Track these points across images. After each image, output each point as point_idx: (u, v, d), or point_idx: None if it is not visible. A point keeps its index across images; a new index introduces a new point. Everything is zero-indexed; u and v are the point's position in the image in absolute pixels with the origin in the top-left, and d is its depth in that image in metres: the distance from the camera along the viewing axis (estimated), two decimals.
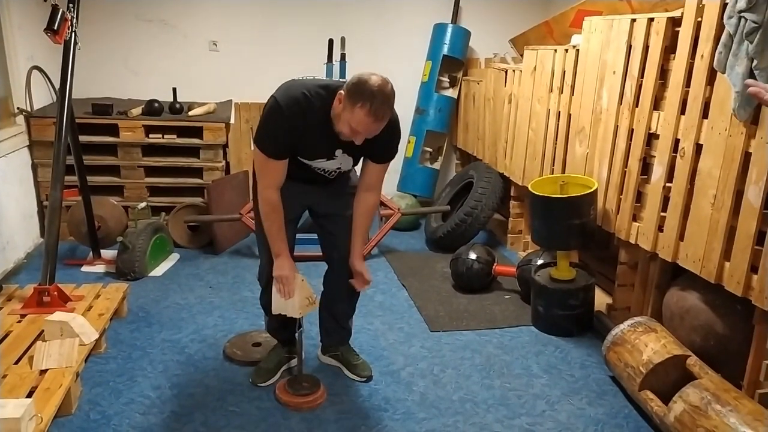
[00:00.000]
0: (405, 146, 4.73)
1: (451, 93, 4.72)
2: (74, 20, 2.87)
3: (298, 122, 1.95)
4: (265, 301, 2.32)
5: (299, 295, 2.16)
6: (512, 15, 4.72)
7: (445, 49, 4.54)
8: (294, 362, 2.42)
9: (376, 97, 1.83)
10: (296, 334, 2.29)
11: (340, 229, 2.27)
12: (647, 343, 2.21)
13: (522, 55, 3.75)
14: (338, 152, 2.08)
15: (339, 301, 2.42)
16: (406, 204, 4.32)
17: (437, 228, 4.03)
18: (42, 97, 3.88)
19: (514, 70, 3.80)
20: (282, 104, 1.94)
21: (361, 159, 2.19)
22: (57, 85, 3.08)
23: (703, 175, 2.21)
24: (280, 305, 2.20)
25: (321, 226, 2.33)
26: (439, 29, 4.60)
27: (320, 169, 2.14)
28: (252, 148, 4.45)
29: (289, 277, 2.13)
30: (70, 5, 2.86)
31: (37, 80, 3.80)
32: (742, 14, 1.93)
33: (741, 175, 2.04)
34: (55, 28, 2.75)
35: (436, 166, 4.82)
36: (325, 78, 2.09)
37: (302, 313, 2.19)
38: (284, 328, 2.38)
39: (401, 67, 4.71)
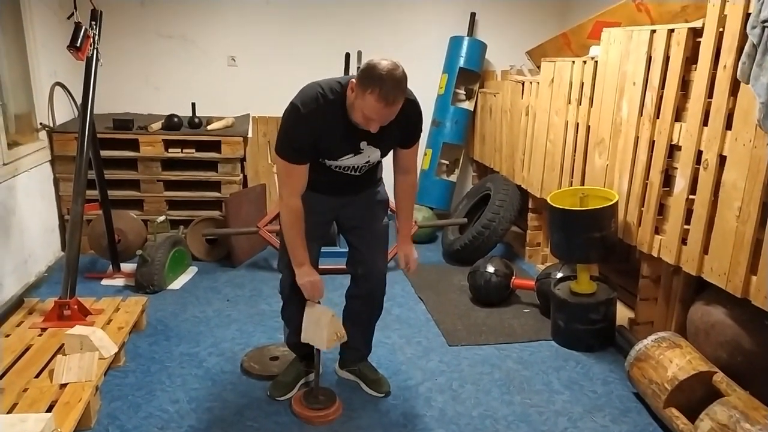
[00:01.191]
0: (422, 158, 4.72)
1: (468, 105, 4.72)
2: (96, 37, 2.93)
3: (318, 119, 1.92)
4: (288, 315, 2.32)
5: (328, 329, 2.14)
6: (529, 27, 4.71)
7: (462, 62, 4.55)
8: (312, 376, 2.41)
9: (385, 81, 1.79)
10: (315, 349, 2.28)
11: (366, 245, 2.26)
12: (672, 359, 2.16)
13: (539, 67, 3.74)
14: (363, 144, 2.03)
15: (361, 317, 2.40)
16: (422, 216, 4.30)
17: (454, 241, 4.01)
18: (64, 112, 3.95)
19: (531, 82, 3.79)
20: (299, 104, 1.93)
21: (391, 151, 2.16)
22: (79, 101, 3.13)
23: (727, 187, 2.16)
24: (308, 335, 2.19)
25: (347, 240, 2.32)
26: (455, 42, 4.61)
27: (348, 167, 2.08)
28: (269, 161, 4.49)
29: (314, 282, 2.11)
30: (93, 23, 2.92)
31: (60, 96, 3.87)
32: (766, 24, 1.89)
33: (767, 186, 1.99)
34: (78, 44, 2.81)
35: (453, 178, 4.80)
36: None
37: (329, 347, 2.17)
38: (304, 343, 2.37)
39: (417, 80, 4.64)
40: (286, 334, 2.44)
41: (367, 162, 2.10)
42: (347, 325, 2.41)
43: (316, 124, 1.93)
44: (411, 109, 2.01)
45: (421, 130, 2.17)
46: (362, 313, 2.39)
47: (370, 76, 1.81)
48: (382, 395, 2.38)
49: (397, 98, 1.83)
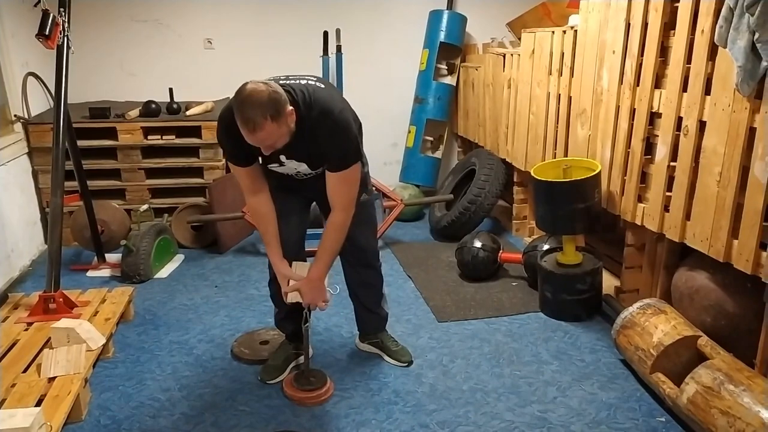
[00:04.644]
0: (406, 136, 4.70)
1: (450, 80, 4.68)
2: (66, 24, 2.85)
3: (234, 131, 1.86)
4: (274, 289, 2.35)
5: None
6: None
7: (442, 36, 4.49)
8: (302, 358, 2.42)
9: (243, 107, 1.72)
10: (302, 329, 2.28)
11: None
12: (657, 325, 2.19)
13: (519, 39, 3.71)
14: (282, 158, 2.01)
15: (361, 287, 2.43)
16: (408, 194, 4.29)
17: (441, 217, 4.01)
18: (39, 103, 3.87)
19: (512, 54, 3.76)
20: (220, 118, 1.97)
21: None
22: (53, 91, 3.06)
23: (707, 152, 2.17)
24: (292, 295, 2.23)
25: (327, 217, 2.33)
26: (434, 16, 4.55)
27: (283, 173, 2.10)
28: None
29: (284, 289, 2.18)
30: (61, 9, 2.84)
31: (34, 86, 3.79)
32: None
33: (746, 150, 2.00)
34: (47, 33, 2.73)
35: (438, 155, 4.78)
36: (294, 77, 1.98)
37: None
38: (291, 319, 2.38)
39: (398, 57, 4.67)
40: (275, 313, 2.47)
41: (297, 172, 2.08)
42: (354, 299, 2.48)
43: (233, 136, 1.88)
44: (322, 121, 1.88)
45: (348, 157, 1.95)
46: (360, 282, 2.41)
47: (234, 101, 1.77)
48: (405, 365, 2.43)
49: (258, 124, 1.72)
